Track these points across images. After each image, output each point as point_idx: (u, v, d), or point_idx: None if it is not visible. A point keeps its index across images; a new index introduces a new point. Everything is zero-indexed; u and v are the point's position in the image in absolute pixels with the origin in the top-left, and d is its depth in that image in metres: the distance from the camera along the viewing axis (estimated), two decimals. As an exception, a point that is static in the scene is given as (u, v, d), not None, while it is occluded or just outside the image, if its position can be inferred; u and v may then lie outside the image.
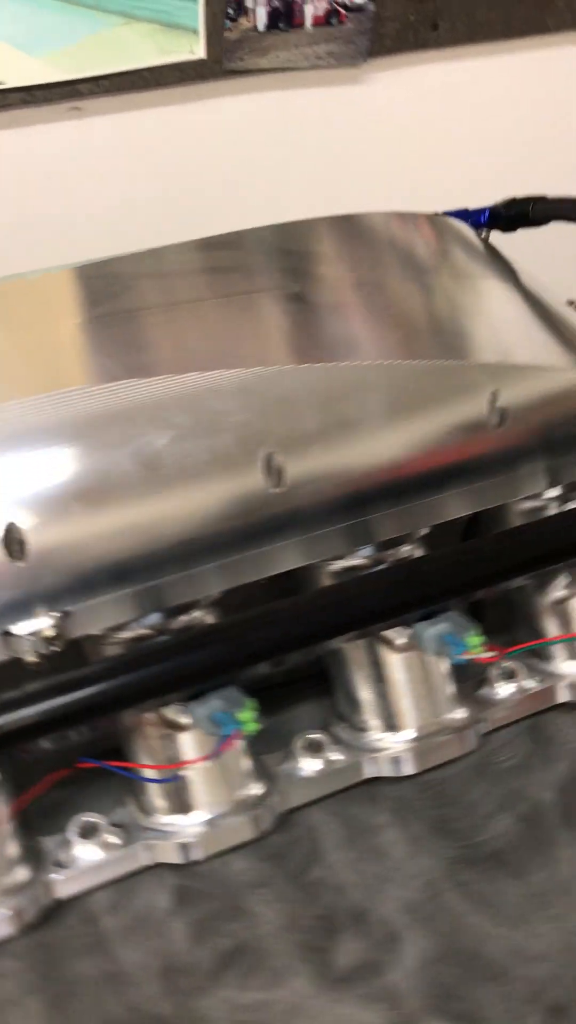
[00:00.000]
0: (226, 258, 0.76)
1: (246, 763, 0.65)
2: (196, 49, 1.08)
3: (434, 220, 0.84)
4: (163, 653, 0.59)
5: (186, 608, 0.59)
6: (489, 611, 0.76)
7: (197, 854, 0.63)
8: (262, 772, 0.66)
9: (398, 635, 0.67)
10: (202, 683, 0.60)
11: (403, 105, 1.23)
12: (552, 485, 0.68)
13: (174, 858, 0.63)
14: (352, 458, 0.61)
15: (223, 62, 1.10)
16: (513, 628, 0.77)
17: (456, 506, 0.66)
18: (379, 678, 0.69)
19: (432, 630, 0.64)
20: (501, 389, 0.64)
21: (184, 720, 0.60)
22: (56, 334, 0.67)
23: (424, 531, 0.68)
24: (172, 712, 0.61)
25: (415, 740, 0.69)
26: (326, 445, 0.60)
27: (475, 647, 0.62)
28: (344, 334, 0.69)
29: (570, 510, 0.69)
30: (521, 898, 0.68)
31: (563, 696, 0.75)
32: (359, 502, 0.62)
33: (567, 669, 0.74)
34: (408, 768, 0.69)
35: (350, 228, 0.80)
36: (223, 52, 1.09)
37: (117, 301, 0.68)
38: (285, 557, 0.61)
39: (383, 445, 0.62)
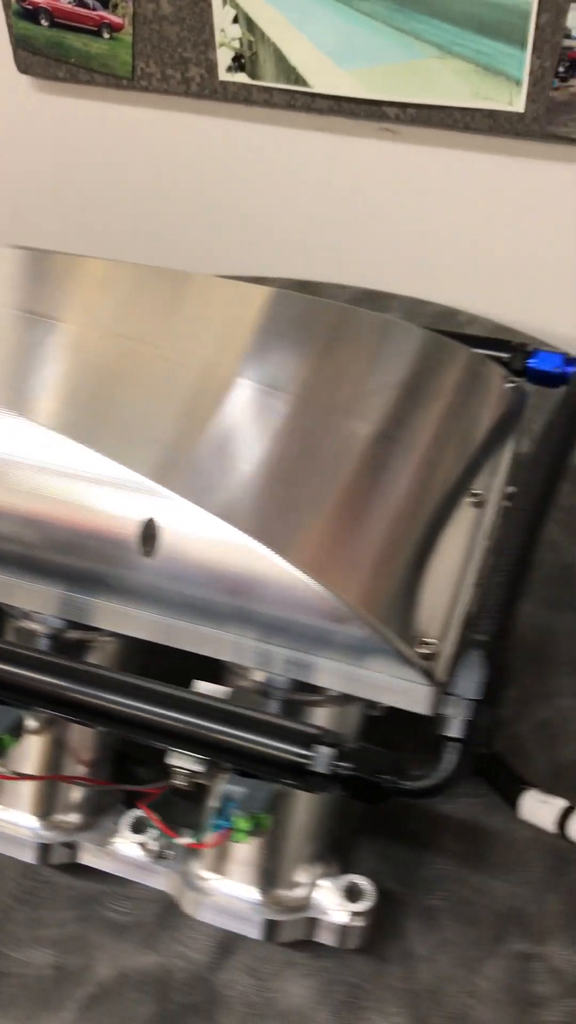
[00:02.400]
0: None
1: None
2: (515, 101, 0.98)
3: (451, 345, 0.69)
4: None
5: None
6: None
7: None
8: None
9: None
10: None
11: None
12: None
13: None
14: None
15: (543, 123, 0.98)
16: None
17: (95, 614, 0.59)
18: None
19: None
20: (160, 520, 0.55)
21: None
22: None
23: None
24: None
25: None
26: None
27: None
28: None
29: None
30: None
31: (161, 884, 0.63)
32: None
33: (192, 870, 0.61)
34: None
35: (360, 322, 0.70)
36: (546, 112, 0.97)
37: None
38: None
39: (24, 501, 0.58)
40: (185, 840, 0.56)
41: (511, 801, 0.68)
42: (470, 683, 0.51)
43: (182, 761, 0.55)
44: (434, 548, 0.59)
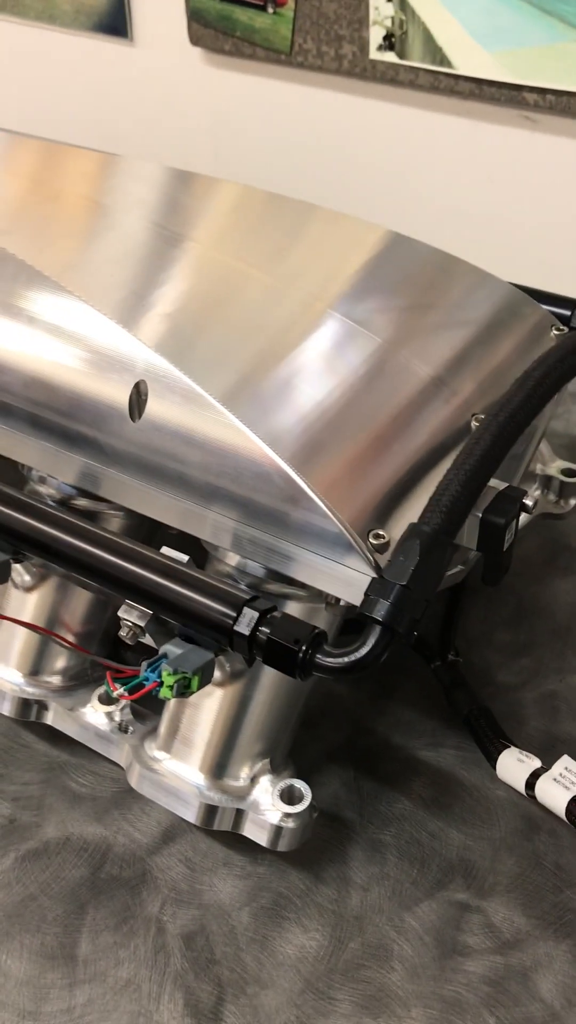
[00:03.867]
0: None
1: None
2: None
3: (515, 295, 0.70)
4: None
5: None
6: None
7: None
8: None
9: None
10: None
11: None
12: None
13: None
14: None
15: None
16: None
17: (90, 478, 0.62)
18: None
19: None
20: (152, 385, 0.58)
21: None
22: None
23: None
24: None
25: None
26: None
27: None
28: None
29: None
30: None
31: (116, 756, 0.65)
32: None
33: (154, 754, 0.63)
34: None
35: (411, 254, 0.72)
36: None
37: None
38: None
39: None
40: (118, 690, 0.58)
41: (492, 758, 0.66)
42: (402, 569, 0.51)
43: (128, 614, 0.56)
44: (420, 456, 0.59)
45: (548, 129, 1.08)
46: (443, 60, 1.08)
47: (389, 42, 1.11)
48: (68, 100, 1.39)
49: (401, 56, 1.11)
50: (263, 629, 0.51)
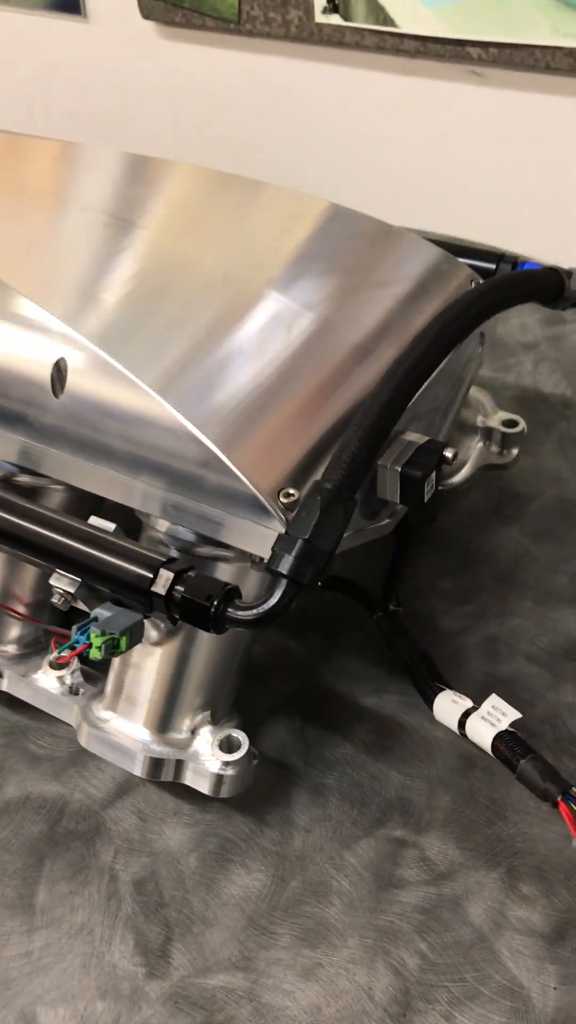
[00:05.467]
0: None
1: None
2: (594, 38, 0.97)
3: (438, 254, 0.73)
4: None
5: None
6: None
7: None
8: None
9: None
10: None
11: None
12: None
13: None
14: None
15: (620, 60, 0.97)
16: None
17: (23, 454, 0.65)
18: None
19: None
20: (70, 361, 0.60)
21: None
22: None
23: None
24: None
25: None
26: None
27: None
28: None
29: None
30: None
31: (68, 717, 0.68)
32: None
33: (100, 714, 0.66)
34: None
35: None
36: (623, 48, 0.96)
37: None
38: None
39: None
40: (53, 655, 0.61)
41: (429, 701, 0.69)
42: (304, 524, 0.53)
43: (58, 581, 0.59)
44: (338, 420, 0.61)
45: (494, 82, 1.08)
46: (386, 20, 1.09)
47: (333, 5, 1.12)
48: (24, 78, 1.40)
49: (346, 18, 1.12)
50: (178, 588, 0.54)
